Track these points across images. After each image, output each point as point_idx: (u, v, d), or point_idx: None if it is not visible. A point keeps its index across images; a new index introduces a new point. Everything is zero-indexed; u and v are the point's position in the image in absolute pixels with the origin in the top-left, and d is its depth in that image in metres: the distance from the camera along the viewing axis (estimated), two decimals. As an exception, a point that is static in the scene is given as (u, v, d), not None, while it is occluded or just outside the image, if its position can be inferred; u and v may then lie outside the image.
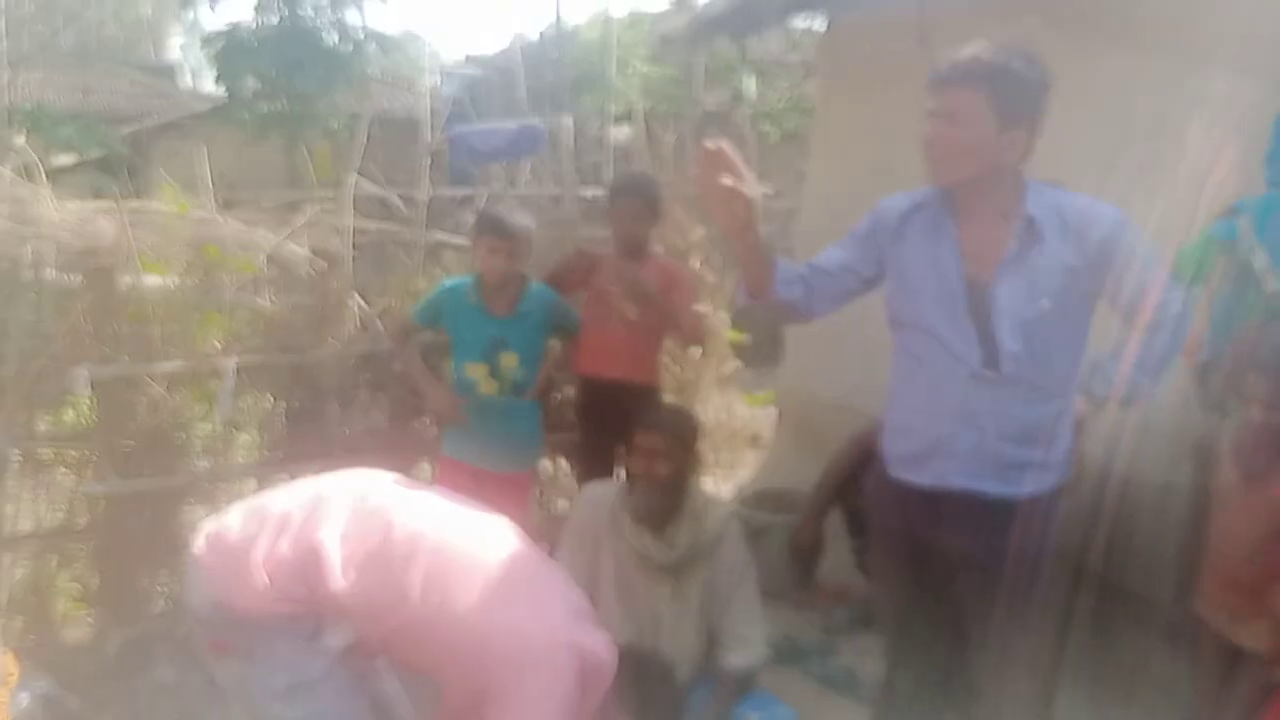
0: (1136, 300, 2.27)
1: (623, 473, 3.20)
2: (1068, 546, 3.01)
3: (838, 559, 4.14)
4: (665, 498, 3.04)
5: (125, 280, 3.52)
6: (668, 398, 4.39)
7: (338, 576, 2.22)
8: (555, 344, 3.90)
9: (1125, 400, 2.38)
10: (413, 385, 3.83)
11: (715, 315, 5.66)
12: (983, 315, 2.27)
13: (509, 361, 3.60)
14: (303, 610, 2.24)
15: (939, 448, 2.33)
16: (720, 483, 5.66)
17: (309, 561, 2.23)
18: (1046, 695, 2.43)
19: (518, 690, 2.15)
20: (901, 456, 2.43)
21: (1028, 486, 2.32)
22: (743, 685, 3.10)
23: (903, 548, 2.47)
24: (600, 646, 2.27)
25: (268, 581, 2.21)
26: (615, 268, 3.66)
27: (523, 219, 3.62)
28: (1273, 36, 3.04)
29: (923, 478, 2.37)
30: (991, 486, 2.31)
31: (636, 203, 3.78)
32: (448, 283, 3.77)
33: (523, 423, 3.71)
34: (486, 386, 3.60)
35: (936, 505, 2.35)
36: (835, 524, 4.03)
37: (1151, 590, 3.18)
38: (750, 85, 14.20)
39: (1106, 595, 3.36)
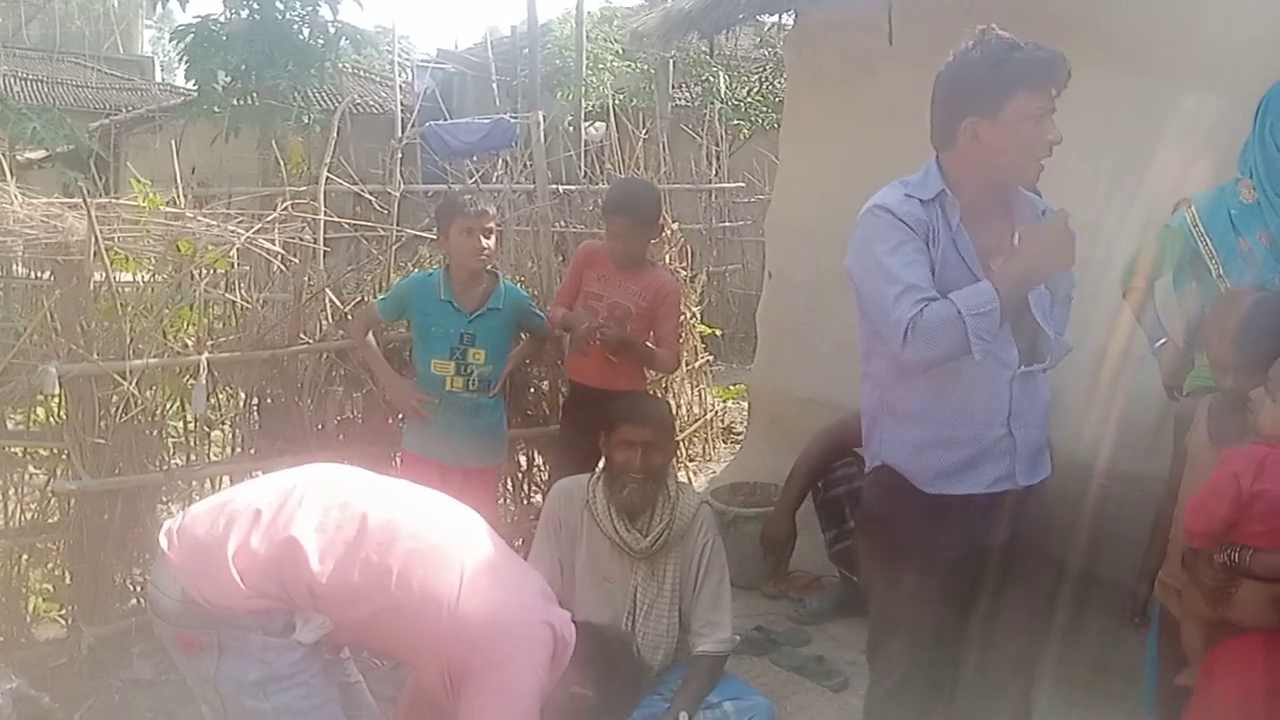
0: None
1: (600, 465, 3.23)
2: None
3: (809, 549, 4.18)
4: (655, 487, 3.10)
5: (95, 276, 3.50)
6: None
7: (316, 569, 2.24)
8: (525, 338, 3.92)
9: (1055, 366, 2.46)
10: (375, 380, 3.83)
11: (686, 309, 5.70)
12: (1015, 312, 2.23)
13: (477, 358, 3.62)
14: (276, 605, 2.25)
15: (994, 452, 2.28)
16: (694, 475, 5.70)
17: (283, 556, 2.24)
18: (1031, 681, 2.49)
19: (499, 666, 2.22)
20: (943, 469, 2.30)
21: (1046, 470, 2.41)
22: (714, 672, 3.13)
23: (940, 565, 2.33)
24: (564, 623, 2.35)
25: (240, 578, 2.22)
26: (592, 330, 3.71)
27: (486, 203, 3.65)
28: (1234, 47, 3.10)
29: (974, 486, 2.29)
30: (1038, 476, 2.38)
31: (627, 222, 3.79)
32: (416, 275, 3.78)
33: (488, 418, 3.73)
34: (453, 383, 3.61)
35: (983, 512, 2.30)
36: (806, 515, 4.07)
37: (1120, 576, 3.23)
38: (721, 81, 14.22)
39: (1073, 582, 3.42)
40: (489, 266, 3.71)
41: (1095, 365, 3.11)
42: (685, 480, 5.24)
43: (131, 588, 3.72)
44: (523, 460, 4.59)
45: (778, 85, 13.25)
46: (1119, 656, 3.27)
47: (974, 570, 2.36)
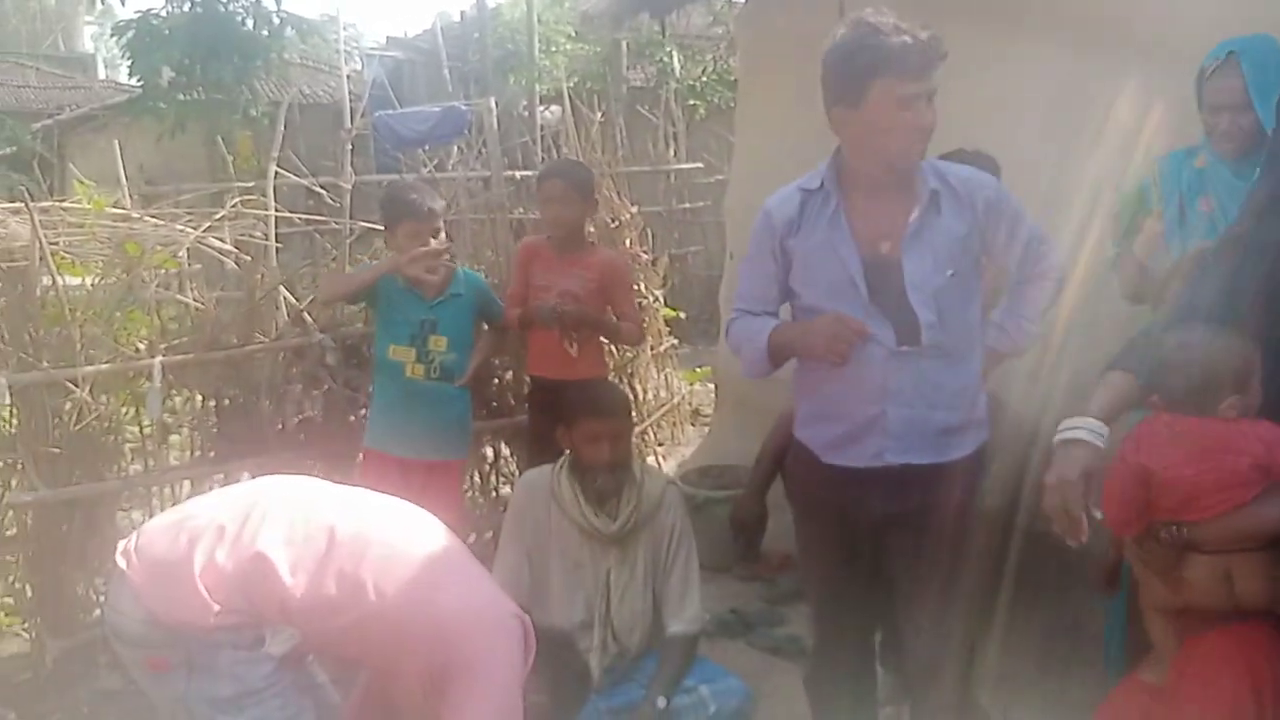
0: (1022, 257, 2.41)
1: (566, 454, 3.21)
2: (1003, 504, 3.09)
3: (780, 530, 4.17)
4: (625, 471, 3.10)
5: (42, 282, 3.42)
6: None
7: (289, 582, 2.22)
8: (485, 329, 3.88)
9: (1020, 350, 2.54)
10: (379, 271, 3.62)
11: (649, 293, 5.68)
12: (890, 292, 2.30)
13: (438, 345, 3.56)
14: (245, 620, 2.23)
15: (870, 428, 2.34)
16: (663, 459, 5.69)
17: (252, 572, 2.22)
18: (970, 653, 2.51)
19: (480, 663, 2.22)
20: (830, 441, 2.43)
21: (957, 450, 2.38)
22: (688, 653, 3.13)
23: (837, 530, 2.49)
24: (528, 620, 2.35)
25: (208, 595, 2.18)
26: (556, 311, 3.69)
27: (435, 199, 3.60)
28: (1192, 21, 3.12)
29: (857, 460, 2.37)
30: (927, 457, 2.35)
31: (559, 185, 3.80)
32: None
33: (451, 409, 3.67)
34: (413, 370, 3.55)
35: (874, 484, 2.37)
36: (777, 495, 4.06)
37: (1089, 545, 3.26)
38: (675, 61, 14.17)
39: (1042, 550, 3.44)
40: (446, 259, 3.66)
41: (1049, 333, 3.12)
42: (655, 464, 5.24)
43: (95, 598, 3.65)
44: (489, 452, 4.55)
45: (732, 64, 13.22)
46: (1089, 621, 3.29)
47: (880, 541, 2.44)
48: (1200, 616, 2.30)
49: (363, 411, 3.89)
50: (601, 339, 4.04)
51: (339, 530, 2.30)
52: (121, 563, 2.27)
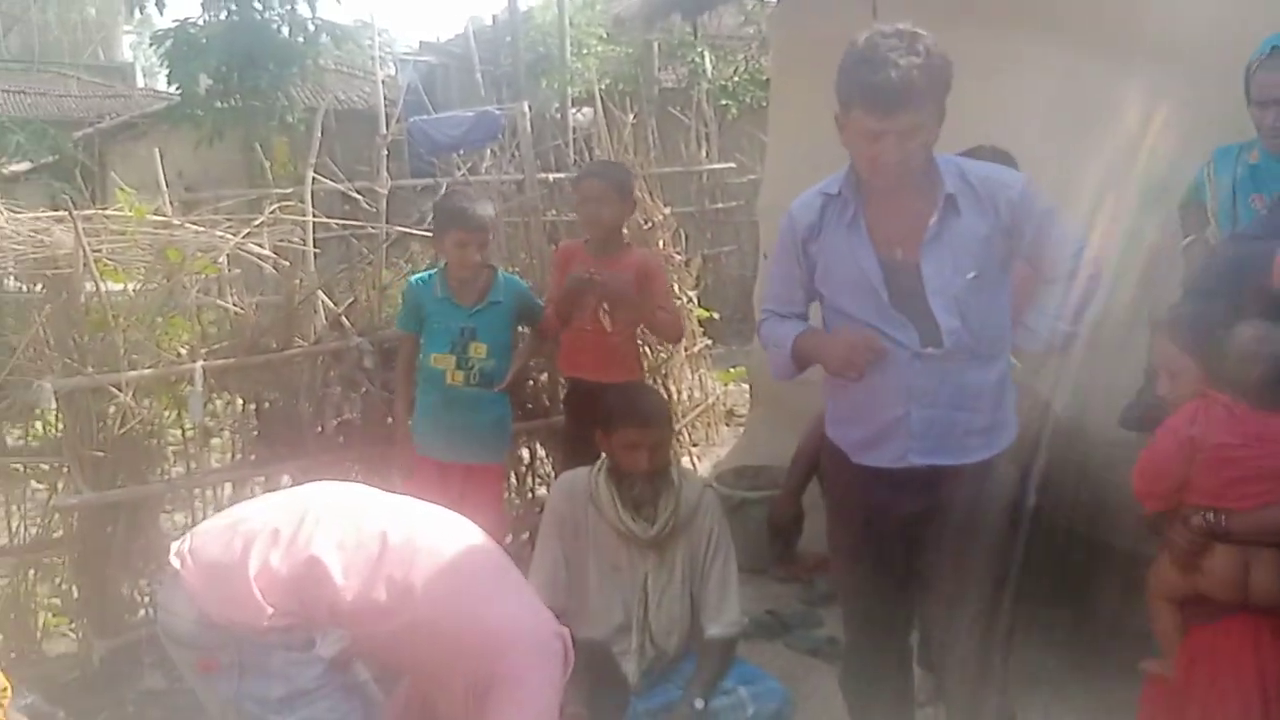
0: (1050, 255, 2.37)
1: (603, 458, 3.20)
2: (1041, 503, 3.06)
3: (817, 530, 4.16)
4: (662, 478, 3.09)
5: (86, 289, 3.48)
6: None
7: (341, 584, 2.25)
8: (524, 332, 3.89)
9: (1056, 351, 2.49)
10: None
11: (682, 294, 5.68)
12: (912, 296, 2.29)
13: (478, 352, 3.59)
14: (297, 623, 2.25)
15: (895, 429, 2.35)
16: (698, 460, 5.69)
17: (305, 575, 2.25)
18: (1003, 653, 2.50)
19: (524, 675, 2.23)
20: (857, 442, 2.45)
21: (983, 451, 2.38)
22: (725, 656, 3.12)
23: (867, 530, 2.50)
24: (567, 637, 2.35)
25: (262, 597, 2.21)
26: (589, 276, 3.64)
27: (485, 207, 3.60)
28: (1198, 27, 3.09)
29: (882, 460, 2.39)
30: (952, 458, 2.35)
31: (597, 184, 3.79)
32: (413, 280, 3.76)
33: (490, 413, 3.69)
34: (453, 377, 3.58)
35: (901, 485, 2.38)
36: (813, 495, 4.05)
37: (1126, 542, 3.23)
38: (706, 61, 14.15)
39: (1084, 549, 3.41)
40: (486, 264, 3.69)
41: (1089, 334, 3.10)
42: (690, 466, 5.24)
43: (139, 598, 3.71)
44: (525, 454, 4.57)
45: (764, 63, 13.19)
46: (1129, 619, 3.26)
47: (908, 541, 2.44)
48: (1206, 607, 2.27)
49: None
50: (637, 340, 4.03)
51: (390, 536, 2.32)
52: (176, 564, 2.30)
